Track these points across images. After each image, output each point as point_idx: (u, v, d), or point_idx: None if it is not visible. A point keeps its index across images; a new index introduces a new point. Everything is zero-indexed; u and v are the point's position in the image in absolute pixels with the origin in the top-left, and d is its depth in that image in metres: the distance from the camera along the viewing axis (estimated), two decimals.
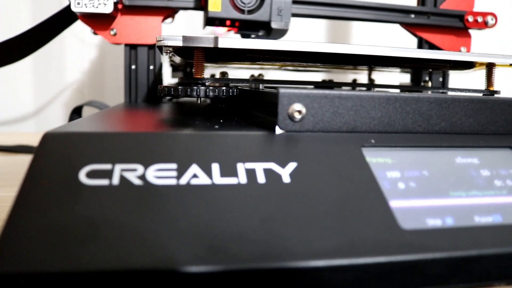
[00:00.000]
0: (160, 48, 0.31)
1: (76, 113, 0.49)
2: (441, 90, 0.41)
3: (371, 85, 0.43)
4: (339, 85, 0.44)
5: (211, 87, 0.30)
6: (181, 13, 0.54)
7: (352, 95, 0.25)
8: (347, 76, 0.64)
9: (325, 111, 0.25)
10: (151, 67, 0.47)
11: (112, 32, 0.45)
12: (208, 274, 0.18)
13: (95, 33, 0.46)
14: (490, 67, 0.36)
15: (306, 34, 0.72)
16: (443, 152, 0.26)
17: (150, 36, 0.46)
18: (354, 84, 0.47)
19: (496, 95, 0.36)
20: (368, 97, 0.25)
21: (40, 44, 0.46)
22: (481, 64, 0.37)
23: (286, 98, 0.24)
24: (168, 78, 0.60)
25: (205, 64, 0.55)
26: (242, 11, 0.40)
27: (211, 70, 0.58)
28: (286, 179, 0.22)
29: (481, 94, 0.36)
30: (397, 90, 0.41)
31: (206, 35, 0.30)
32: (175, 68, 0.57)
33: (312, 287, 0.18)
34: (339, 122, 0.25)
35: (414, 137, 0.26)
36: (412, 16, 0.49)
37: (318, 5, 0.47)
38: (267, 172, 0.22)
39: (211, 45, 0.30)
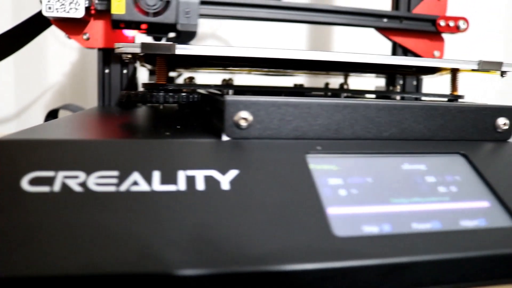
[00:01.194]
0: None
1: (52, 116, 0.50)
2: (407, 95, 0.41)
3: (342, 90, 0.43)
4: (310, 90, 0.44)
5: (170, 94, 0.30)
6: None
7: (299, 103, 0.25)
8: (322, 80, 0.65)
9: (272, 118, 0.25)
10: (125, 71, 0.47)
11: (85, 37, 0.45)
12: (135, 276, 0.18)
13: (69, 37, 0.46)
14: (454, 72, 0.36)
15: (288, 40, 0.73)
16: (391, 158, 0.26)
17: (122, 41, 0.46)
18: (325, 90, 0.47)
19: (460, 100, 0.37)
20: (316, 104, 0.26)
21: (13, 49, 0.46)
22: (446, 69, 0.38)
23: (232, 105, 0.25)
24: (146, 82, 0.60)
25: (181, 70, 0.55)
26: (147, 14, 0.40)
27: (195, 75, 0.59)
28: (226, 186, 0.22)
29: (445, 99, 0.36)
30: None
31: (163, 43, 0.30)
32: (152, 72, 0.57)
33: None
34: (286, 129, 0.25)
35: (363, 143, 0.26)
36: (385, 20, 0.49)
37: (294, 10, 0.47)
38: (207, 179, 0.22)
39: (168, 52, 0.30)
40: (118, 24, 0.41)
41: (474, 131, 0.29)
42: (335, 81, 0.60)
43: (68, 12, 0.43)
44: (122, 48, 0.31)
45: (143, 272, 0.18)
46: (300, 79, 0.66)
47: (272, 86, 0.39)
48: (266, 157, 0.24)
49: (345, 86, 0.55)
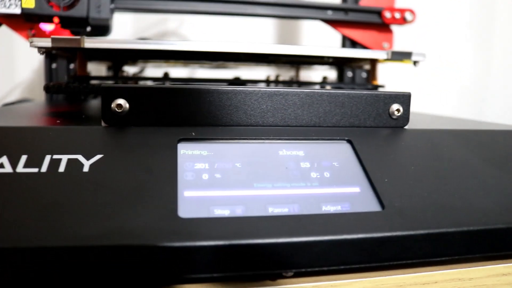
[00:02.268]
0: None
1: None
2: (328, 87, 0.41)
3: (273, 82, 0.44)
4: (249, 82, 0.45)
5: (75, 85, 0.32)
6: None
7: (175, 89, 0.26)
8: (263, 72, 0.64)
9: (149, 106, 0.26)
10: (71, 66, 0.48)
11: (30, 33, 0.47)
12: None
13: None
14: (373, 62, 0.36)
15: (254, 34, 0.73)
16: (268, 145, 0.26)
17: (41, 35, 0.46)
18: (266, 82, 0.47)
19: (380, 89, 0.37)
20: (194, 91, 0.26)
21: None
22: (363, 60, 0.38)
23: (109, 93, 0.25)
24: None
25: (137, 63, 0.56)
26: (58, 7, 0.41)
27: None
28: (86, 169, 0.23)
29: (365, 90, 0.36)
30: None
31: (72, 37, 0.31)
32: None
33: (82, 266, 0.19)
34: (163, 116, 0.26)
35: (243, 130, 0.27)
36: (330, 12, 0.49)
37: (239, 4, 0.48)
38: (70, 162, 0.23)
39: (77, 46, 0.31)
40: (30, 18, 0.42)
41: (367, 118, 0.29)
42: (289, 74, 0.61)
43: (8, 8, 0.44)
44: (34, 42, 0.32)
45: None
46: (237, 71, 0.64)
47: (208, 79, 0.40)
48: (136, 142, 0.24)
49: (293, 79, 0.55)
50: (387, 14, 0.49)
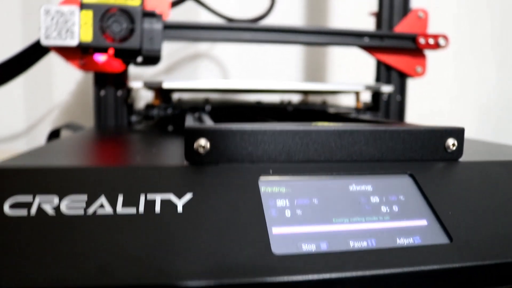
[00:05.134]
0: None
1: (54, 135, 0.54)
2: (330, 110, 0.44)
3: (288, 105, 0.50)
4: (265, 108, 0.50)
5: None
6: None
7: (253, 131, 0.28)
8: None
9: (228, 145, 0.28)
10: (119, 93, 0.50)
11: (81, 62, 0.49)
12: None
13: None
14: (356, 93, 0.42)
15: (284, 56, 0.75)
16: (339, 180, 0.28)
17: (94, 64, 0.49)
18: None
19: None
20: (270, 132, 0.28)
21: (14, 75, 0.50)
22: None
23: (191, 133, 0.27)
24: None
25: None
26: (113, 40, 0.43)
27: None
28: (180, 209, 0.25)
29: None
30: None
31: (155, 81, 0.37)
32: None
33: None
34: (242, 154, 0.28)
35: (314, 166, 0.29)
36: (367, 39, 0.51)
37: (279, 32, 0.50)
38: (165, 203, 0.25)
39: (158, 87, 0.39)
40: (87, 50, 0.45)
41: (425, 152, 0.31)
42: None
43: (64, 40, 0.46)
44: (132, 85, 0.43)
45: (101, 285, 0.21)
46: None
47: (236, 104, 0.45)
48: (219, 181, 0.26)
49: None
50: (421, 40, 0.51)
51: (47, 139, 0.53)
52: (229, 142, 0.28)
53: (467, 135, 0.34)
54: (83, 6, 0.44)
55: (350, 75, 0.74)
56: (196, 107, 0.49)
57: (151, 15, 0.45)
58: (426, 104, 0.81)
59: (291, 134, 0.28)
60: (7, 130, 0.69)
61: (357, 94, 0.52)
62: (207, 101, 0.53)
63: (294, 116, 0.52)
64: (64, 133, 0.56)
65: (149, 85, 0.45)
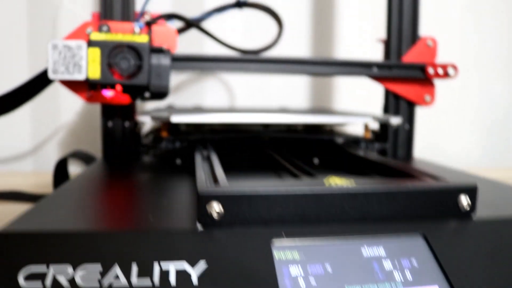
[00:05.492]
0: None
1: (61, 165, 0.53)
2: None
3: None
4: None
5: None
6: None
7: (266, 195, 0.28)
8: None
9: (242, 209, 0.28)
10: (126, 124, 0.50)
11: (89, 95, 0.49)
12: None
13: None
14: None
15: (290, 81, 0.75)
16: (351, 241, 0.28)
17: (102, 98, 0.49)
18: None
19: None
20: (283, 196, 0.28)
21: (20, 104, 0.50)
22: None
23: (205, 198, 0.27)
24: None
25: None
26: (121, 77, 0.43)
27: None
28: (195, 281, 0.25)
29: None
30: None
31: (163, 115, 0.39)
32: None
33: None
34: (255, 217, 0.28)
35: (325, 228, 0.29)
36: (375, 69, 0.51)
37: (288, 63, 0.50)
38: (180, 274, 0.25)
39: (167, 121, 0.43)
40: (94, 86, 0.45)
41: (437, 209, 0.31)
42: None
43: (72, 74, 0.46)
44: (139, 118, 0.44)
45: None
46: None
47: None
48: (232, 247, 0.26)
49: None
50: (430, 70, 0.51)
51: (54, 170, 0.53)
52: (243, 206, 0.28)
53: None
54: (91, 43, 0.44)
55: (358, 100, 0.74)
56: (203, 139, 0.49)
57: (158, 51, 0.45)
58: (433, 130, 0.81)
59: (305, 197, 0.28)
60: (14, 151, 0.69)
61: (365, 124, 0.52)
62: (213, 131, 0.53)
63: (302, 147, 0.52)
64: (71, 162, 0.56)
65: (156, 118, 0.45)
